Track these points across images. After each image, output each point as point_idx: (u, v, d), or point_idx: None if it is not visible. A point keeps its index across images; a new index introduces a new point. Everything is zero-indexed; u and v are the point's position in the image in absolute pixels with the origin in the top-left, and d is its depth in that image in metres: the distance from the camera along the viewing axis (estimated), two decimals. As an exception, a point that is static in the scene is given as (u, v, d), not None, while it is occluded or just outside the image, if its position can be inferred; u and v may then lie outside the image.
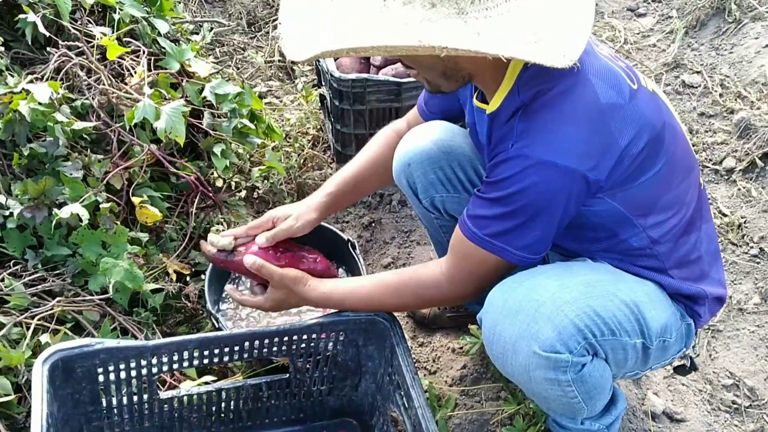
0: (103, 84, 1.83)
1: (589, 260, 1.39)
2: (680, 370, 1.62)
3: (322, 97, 2.62)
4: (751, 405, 1.90)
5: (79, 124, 1.79)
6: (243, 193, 2.35)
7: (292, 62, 2.50)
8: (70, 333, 1.64)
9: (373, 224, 2.43)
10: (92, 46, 1.93)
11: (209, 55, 2.93)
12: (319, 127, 2.73)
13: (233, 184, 2.33)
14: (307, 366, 1.60)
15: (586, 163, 1.19)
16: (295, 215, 1.60)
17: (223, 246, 1.55)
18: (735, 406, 1.89)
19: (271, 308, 1.58)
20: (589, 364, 1.27)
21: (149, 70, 2.00)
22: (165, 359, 1.46)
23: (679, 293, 1.41)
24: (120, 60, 1.98)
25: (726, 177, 2.55)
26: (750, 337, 2.07)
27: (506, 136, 1.25)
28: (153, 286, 1.79)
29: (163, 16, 2.24)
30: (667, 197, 1.34)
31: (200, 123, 2.02)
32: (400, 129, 1.75)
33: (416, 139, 1.62)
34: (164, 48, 2.06)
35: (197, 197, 2.00)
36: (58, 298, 1.66)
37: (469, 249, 1.31)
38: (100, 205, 1.72)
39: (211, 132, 2.00)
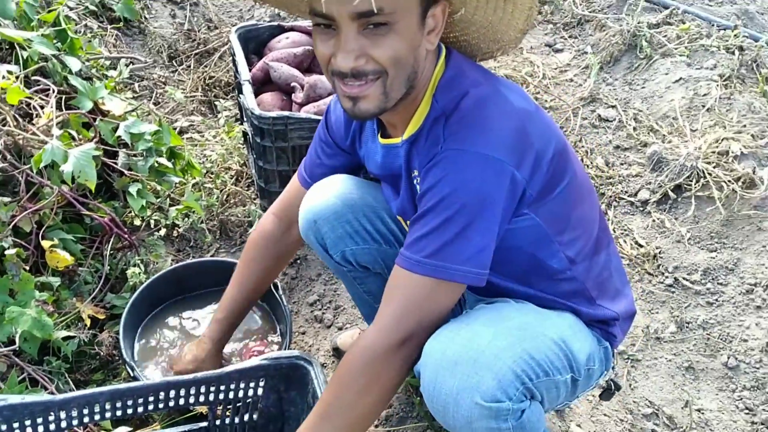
0: (9, 125, 1.76)
1: (512, 301, 1.40)
2: (605, 396, 1.64)
3: (245, 132, 2.58)
4: (669, 433, 1.95)
5: (-18, 166, 1.71)
6: (163, 232, 2.29)
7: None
8: (-27, 387, 1.56)
9: (299, 261, 2.40)
10: (-2, 85, 1.85)
11: (127, 90, 2.86)
12: (243, 162, 2.69)
13: (152, 222, 2.27)
14: (227, 414, 1.55)
15: (513, 159, 1.20)
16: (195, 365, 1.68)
17: None
18: (655, 434, 1.94)
19: None
20: (528, 410, 1.27)
21: (60, 109, 1.93)
22: (74, 413, 1.39)
23: (595, 319, 1.44)
24: (28, 99, 1.90)
25: (641, 209, 2.64)
26: (667, 366, 2.12)
27: (433, 144, 1.25)
28: (64, 333, 1.71)
29: (75, 53, 2.17)
30: (577, 213, 1.37)
31: (115, 163, 1.96)
32: (267, 232, 1.73)
33: (319, 195, 1.60)
34: (76, 86, 2.00)
35: (112, 238, 1.94)
36: (-41, 351, 1.58)
37: (408, 279, 1.23)
38: (6, 252, 1.64)
39: (126, 172, 1.94)
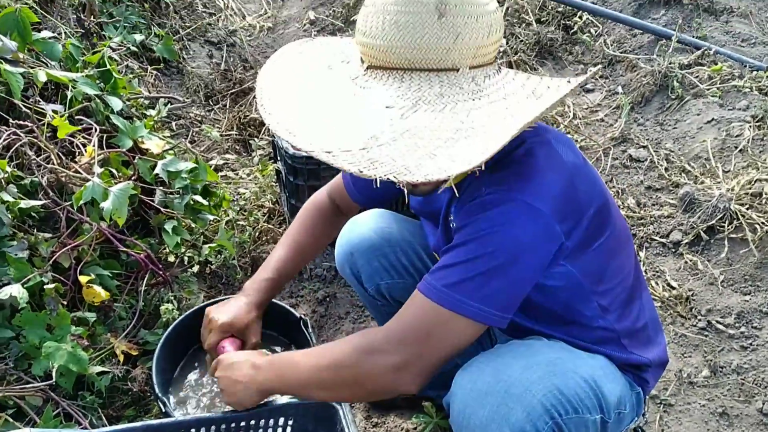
0: (53, 163, 1.82)
1: (544, 339, 1.40)
2: None
3: (278, 171, 2.63)
4: (703, 481, 1.91)
5: (26, 203, 1.77)
6: (196, 269, 2.33)
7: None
8: (11, 420, 1.58)
9: (328, 299, 2.42)
10: (43, 124, 1.92)
11: (165, 128, 2.93)
12: (275, 200, 2.73)
13: (186, 259, 2.31)
14: (256, 452, 1.56)
15: (556, 212, 1.20)
16: (238, 326, 1.60)
17: None
18: (688, 482, 1.90)
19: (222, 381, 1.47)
20: None
21: (101, 147, 2.00)
22: (106, 449, 1.41)
23: (628, 364, 1.44)
24: (71, 138, 1.97)
25: (673, 250, 2.62)
26: (701, 411, 2.08)
27: (476, 188, 1.25)
28: (99, 368, 1.74)
29: (117, 93, 2.24)
30: (613, 265, 1.37)
31: (152, 200, 2.01)
32: (321, 204, 1.73)
33: (357, 228, 1.64)
34: (117, 125, 2.07)
35: (147, 274, 1.98)
36: (-1, 384, 1.61)
37: (421, 303, 1.23)
38: (45, 286, 1.69)
39: (162, 209, 1.99)
